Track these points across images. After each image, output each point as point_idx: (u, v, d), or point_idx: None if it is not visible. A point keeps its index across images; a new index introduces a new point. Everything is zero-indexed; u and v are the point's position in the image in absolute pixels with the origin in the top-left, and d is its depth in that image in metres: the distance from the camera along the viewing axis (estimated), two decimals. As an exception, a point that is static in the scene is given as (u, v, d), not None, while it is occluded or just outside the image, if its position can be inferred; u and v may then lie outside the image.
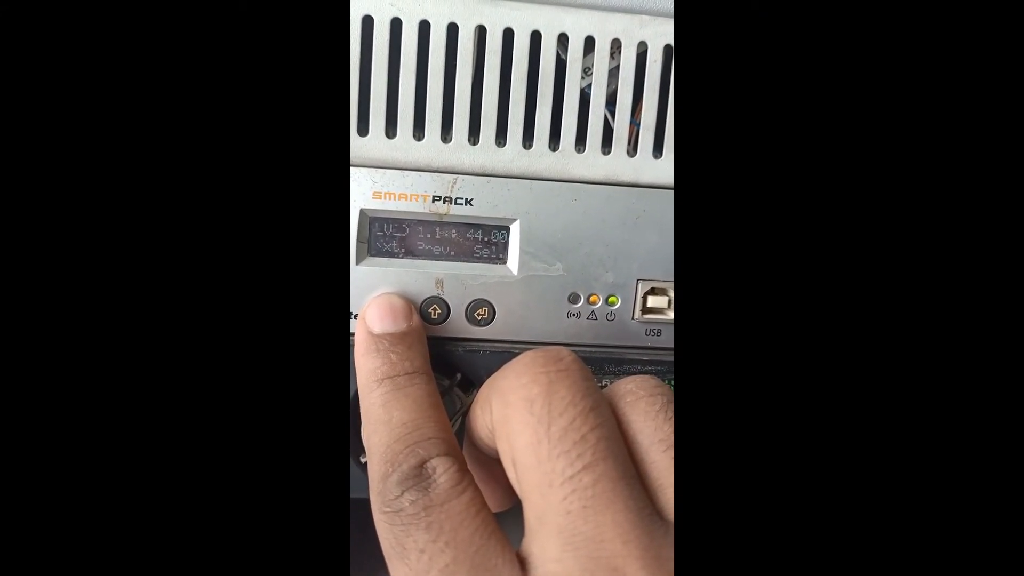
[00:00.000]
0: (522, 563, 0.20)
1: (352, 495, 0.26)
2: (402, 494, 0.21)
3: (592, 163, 0.29)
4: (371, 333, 0.26)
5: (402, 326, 0.27)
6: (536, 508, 0.20)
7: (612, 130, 0.29)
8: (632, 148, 0.29)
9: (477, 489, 0.22)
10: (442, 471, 0.22)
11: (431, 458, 0.22)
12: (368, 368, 0.25)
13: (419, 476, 0.22)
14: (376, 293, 0.28)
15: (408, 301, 0.28)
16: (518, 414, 0.21)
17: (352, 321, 0.28)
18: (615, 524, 0.19)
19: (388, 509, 0.21)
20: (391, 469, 0.22)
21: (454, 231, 0.29)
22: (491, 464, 0.25)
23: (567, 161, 0.29)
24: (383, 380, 0.25)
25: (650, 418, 0.22)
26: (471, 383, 0.30)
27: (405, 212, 0.28)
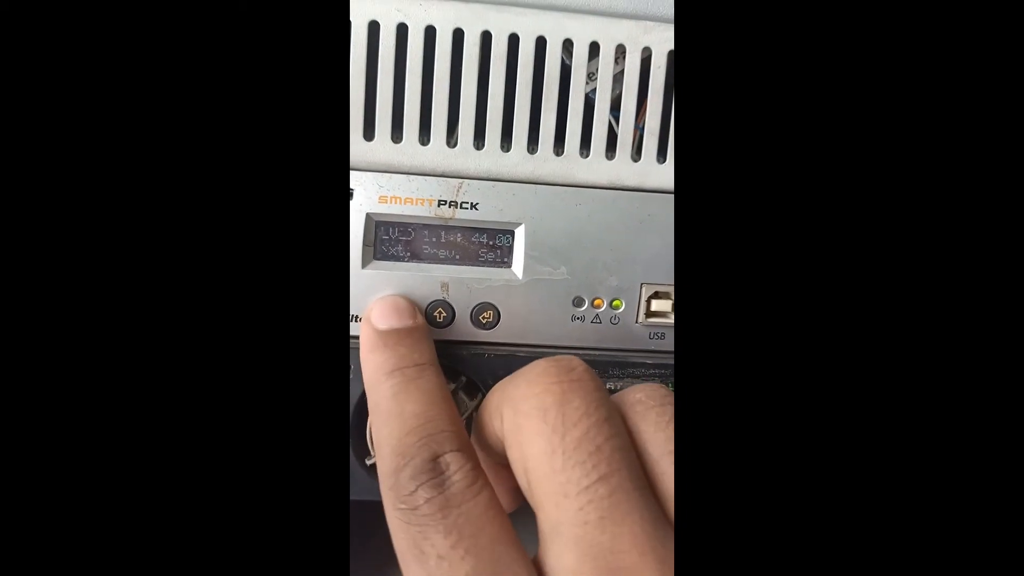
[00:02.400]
0: (538, 573, 0.20)
1: (352, 497, 0.27)
2: (416, 489, 0.21)
3: (596, 168, 0.29)
4: (376, 330, 0.26)
5: (407, 323, 0.27)
6: (551, 518, 0.20)
7: (616, 135, 0.29)
8: (636, 153, 0.29)
9: (492, 490, 0.22)
10: (456, 468, 0.22)
11: (445, 453, 0.22)
12: (376, 362, 0.25)
13: (433, 470, 0.21)
14: (379, 296, 0.29)
15: (411, 302, 0.28)
16: (531, 423, 0.21)
17: (355, 324, 0.28)
18: (632, 535, 0.19)
19: (403, 505, 0.21)
20: (404, 462, 0.22)
21: (459, 235, 0.29)
22: (495, 468, 0.25)
23: (572, 166, 0.29)
24: (393, 372, 0.24)
25: (660, 429, 0.22)
26: (476, 386, 0.30)
27: (411, 216, 0.28)
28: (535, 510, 0.21)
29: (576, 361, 0.23)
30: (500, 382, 0.24)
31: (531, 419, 0.21)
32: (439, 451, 0.22)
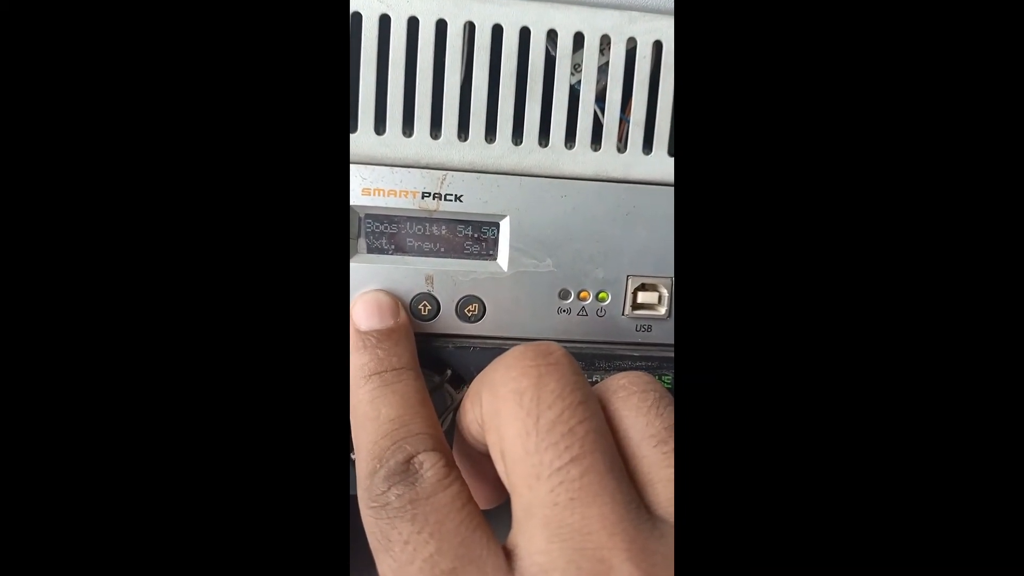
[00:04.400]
0: (508, 555, 0.20)
1: (353, 492, 0.26)
2: (388, 489, 0.21)
3: (582, 159, 0.29)
4: (358, 330, 0.26)
5: (388, 322, 0.27)
6: (524, 500, 0.20)
7: (602, 126, 0.29)
8: (622, 144, 0.29)
9: (463, 483, 0.22)
10: (429, 466, 0.22)
11: (418, 453, 0.22)
12: (356, 365, 0.25)
13: (406, 472, 0.22)
14: (363, 290, 0.28)
15: (394, 298, 0.28)
16: (507, 406, 0.21)
17: (342, 318, 0.28)
18: (601, 516, 0.19)
19: (375, 504, 0.21)
20: (378, 465, 0.22)
21: (444, 227, 0.29)
22: (481, 460, 0.25)
23: (557, 157, 0.29)
24: (370, 376, 0.25)
25: (641, 414, 0.22)
26: (462, 379, 0.30)
27: (395, 208, 0.28)
28: (510, 493, 0.21)
29: (554, 346, 0.22)
30: (482, 371, 0.24)
31: (507, 402, 0.21)
32: (413, 452, 0.22)
